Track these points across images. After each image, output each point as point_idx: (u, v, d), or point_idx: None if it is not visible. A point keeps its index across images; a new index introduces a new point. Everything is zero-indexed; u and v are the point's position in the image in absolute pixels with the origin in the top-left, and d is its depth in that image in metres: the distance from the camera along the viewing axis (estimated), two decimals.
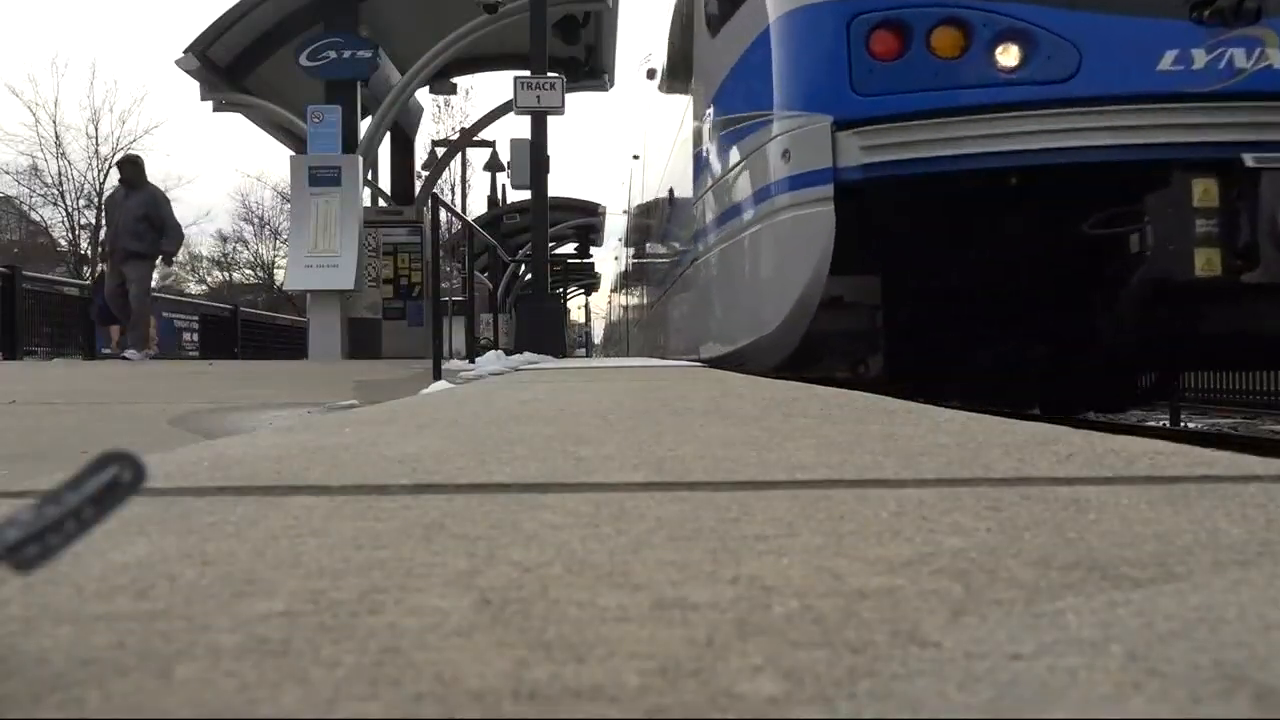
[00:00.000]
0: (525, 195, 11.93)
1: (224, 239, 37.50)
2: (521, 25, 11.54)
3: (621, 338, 29.11)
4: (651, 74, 12.99)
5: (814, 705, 0.45)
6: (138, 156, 11.61)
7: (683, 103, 8.70)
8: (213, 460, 1.40)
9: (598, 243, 32.33)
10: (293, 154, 13.38)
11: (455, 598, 0.64)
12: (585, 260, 32.30)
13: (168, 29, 66.74)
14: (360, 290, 13.02)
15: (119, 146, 31.92)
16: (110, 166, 31.60)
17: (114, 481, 0.51)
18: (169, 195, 11.31)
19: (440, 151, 21.79)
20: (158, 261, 10.66)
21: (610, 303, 37.28)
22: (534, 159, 10.50)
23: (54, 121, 36.16)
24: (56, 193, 31.27)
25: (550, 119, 10.59)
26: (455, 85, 19.61)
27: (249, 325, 21.05)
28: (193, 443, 2.10)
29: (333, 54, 12.95)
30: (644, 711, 0.45)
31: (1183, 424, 9.03)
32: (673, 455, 1.40)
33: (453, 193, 30.08)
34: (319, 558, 0.77)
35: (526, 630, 0.57)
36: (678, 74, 9.16)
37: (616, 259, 30.07)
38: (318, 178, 12.56)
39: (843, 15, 4.61)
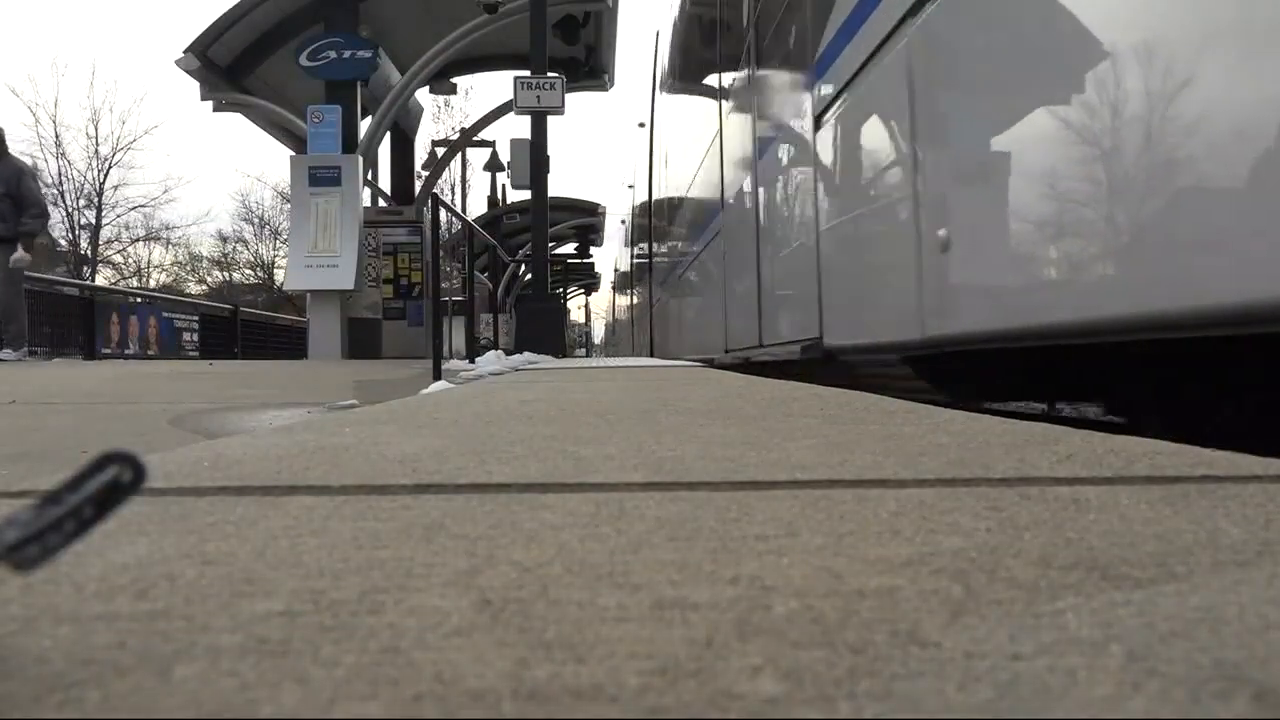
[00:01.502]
0: (525, 195, 11.93)
1: (224, 239, 37.55)
2: (521, 25, 11.55)
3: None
4: None
5: (814, 705, 0.45)
6: None
7: None
8: (213, 460, 1.40)
9: (598, 243, 32.26)
10: (293, 154, 13.40)
11: (455, 598, 0.64)
12: (585, 260, 32.28)
13: (168, 29, 66.93)
14: (360, 290, 13.03)
15: (119, 146, 31.98)
16: (110, 167, 31.63)
17: (114, 481, 0.51)
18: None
19: (440, 151, 21.80)
20: (20, 244, 8.97)
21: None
22: (534, 159, 10.51)
23: (54, 121, 36.34)
24: (56, 193, 31.26)
25: (550, 119, 10.60)
26: (455, 85, 19.62)
27: (249, 325, 21.07)
28: (193, 443, 2.10)
29: (333, 54, 12.96)
30: (644, 711, 0.45)
31: None
32: (673, 455, 1.40)
33: (453, 193, 30.11)
34: (319, 558, 0.77)
35: (526, 630, 0.57)
36: None
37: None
38: (318, 178, 12.57)
39: None
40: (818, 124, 4.78)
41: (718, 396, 2.82)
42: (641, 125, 18.11)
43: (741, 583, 0.67)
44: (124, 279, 33.13)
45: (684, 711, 0.45)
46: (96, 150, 31.95)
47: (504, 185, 24.31)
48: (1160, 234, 2.20)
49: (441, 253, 8.29)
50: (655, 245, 16.46)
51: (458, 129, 28.27)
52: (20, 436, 2.75)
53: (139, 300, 19.64)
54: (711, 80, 8.80)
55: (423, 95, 17.87)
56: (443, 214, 8.13)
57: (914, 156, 3.49)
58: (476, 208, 27.82)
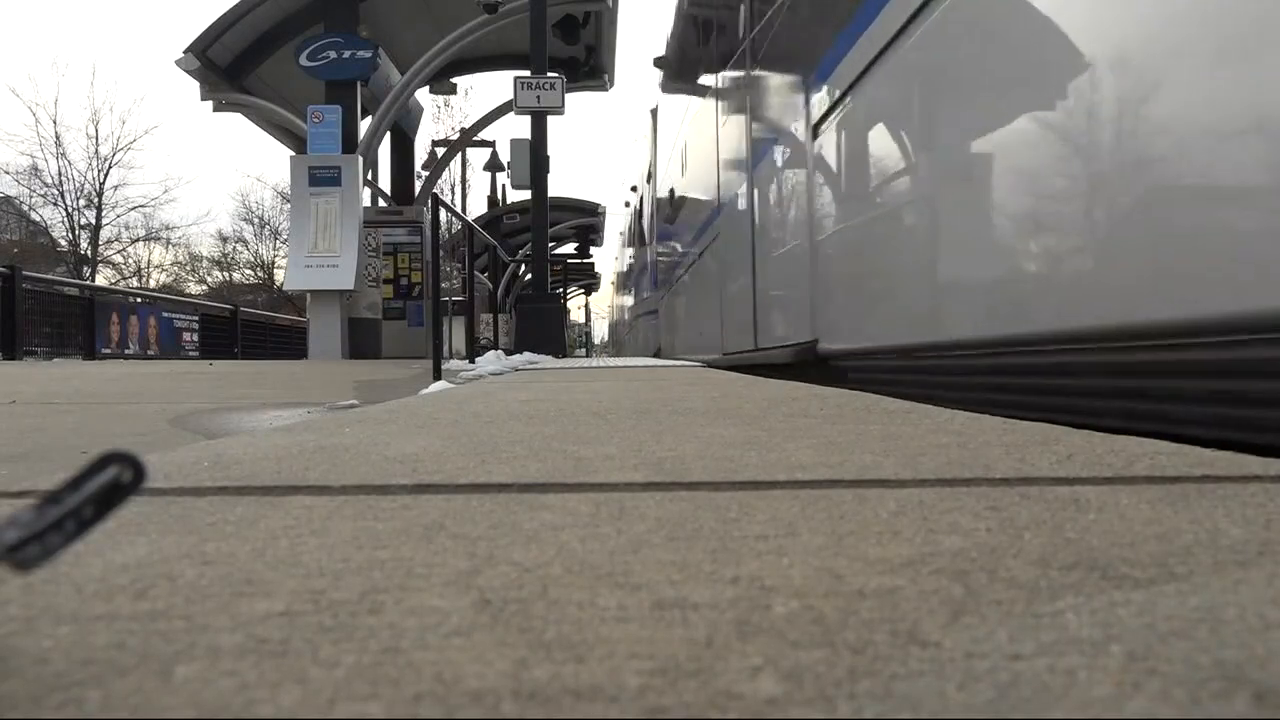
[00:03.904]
0: (525, 195, 11.93)
1: (224, 239, 37.51)
2: (521, 25, 11.55)
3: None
4: None
5: (814, 705, 0.45)
6: None
7: None
8: (213, 460, 1.40)
9: (598, 243, 32.13)
10: (293, 154, 13.40)
11: (455, 598, 0.64)
12: (585, 260, 32.21)
13: (168, 29, 67.05)
14: (360, 290, 13.03)
15: (119, 146, 31.98)
16: (110, 167, 31.62)
17: (114, 482, 0.51)
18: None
19: (440, 151, 21.82)
20: None
21: None
22: (534, 159, 10.51)
23: (54, 121, 36.41)
24: (56, 193, 31.26)
25: (550, 119, 10.60)
26: (455, 85, 19.66)
27: (249, 325, 21.09)
28: (193, 443, 2.10)
29: (333, 54, 12.97)
30: (644, 711, 0.45)
31: None
32: (673, 455, 1.40)
33: (453, 193, 30.11)
34: (319, 558, 0.77)
35: (526, 630, 0.57)
36: None
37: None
38: (318, 178, 12.58)
39: None
40: None
41: (717, 396, 2.82)
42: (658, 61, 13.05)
43: (741, 583, 0.67)
44: (124, 279, 33.11)
45: (684, 711, 0.45)
46: (96, 150, 31.94)
47: (504, 185, 24.35)
48: None
49: (441, 253, 8.30)
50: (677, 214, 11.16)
51: (458, 129, 28.29)
52: (20, 436, 2.75)
53: (139, 300, 19.64)
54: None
55: (423, 95, 17.89)
56: (443, 214, 8.13)
57: None
58: (476, 208, 27.85)
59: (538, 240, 10.84)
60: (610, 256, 38.29)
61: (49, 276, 19.15)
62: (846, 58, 4.43)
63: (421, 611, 0.61)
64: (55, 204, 31.37)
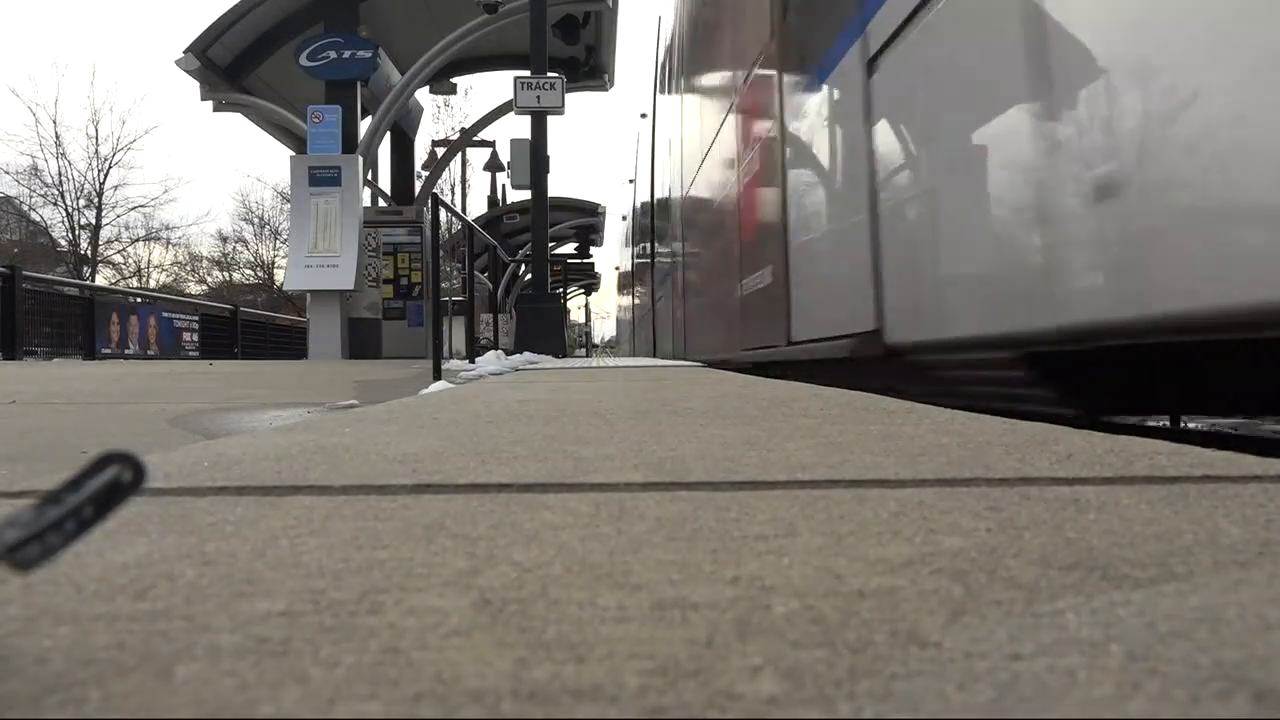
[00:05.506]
0: (525, 195, 11.93)
1: (224, 239, 37.45)
2: (521, 25, 11.55)
3: None
4: None
5: (814, 705, 0.45)
6: None
7: None
8: (213, 460, 1.40)
9: (598, 243, 32.12)
10: (293, 154, 13.41)
11: (455, 598, 0.64)
12: (585, 260, 32.20)
13: (168, 29, 67.04)
14: (360, 290, 13.04)
15: (119, 146, 31.95)
16: (110, 167, 31.60)
17: (114, 482, 0.51)
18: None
19: (440, 151, 21.81)
20: None
21: None
22: (534, 159, 10.51)
23: (54, 121, 36.40)
24: (56, 193, 31.22)
25: (550, 119, 10.60)
26: (455, 85, 19.67)
27: (249, 325, 21.09)
28: (193, 443, 2.09)
29: (333, 54, 12.97)
30: (644, 711, 0.45)
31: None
32: (673, 455, 1.40)
33: (453, 193, 30.10)
34: (319, 558, 0.77)
35: (526, 630, 0.57)
36: None
37: None
38: (318, 178, 12.58)
39: None
40: None
41: (717, 396, 2.82)
42: None
43: (741, 583, 0.67)
44: (124, 279, 33.06)
45: (684, 711, 0.45)
46: (96, 150, 31.88)
47: (504, 185, 24.35)
48: None
49: (441, 253, 8.29)
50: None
51: (458, 129, 28.27)
52: (20, 436, 2.75)
53: (139, 300, 19.64)
54: None
55: (423, 95, 17.89)
56: (443, 214, 8.13)
57: None
58: (476, 208, 27.85)
59: (538, 240, 10.84)
60: (617, 252, 37.93)
61: (49, 276, 19.14)
62: None
63: (421, 611, 0.61)
64: (55, 204, 31.35)
